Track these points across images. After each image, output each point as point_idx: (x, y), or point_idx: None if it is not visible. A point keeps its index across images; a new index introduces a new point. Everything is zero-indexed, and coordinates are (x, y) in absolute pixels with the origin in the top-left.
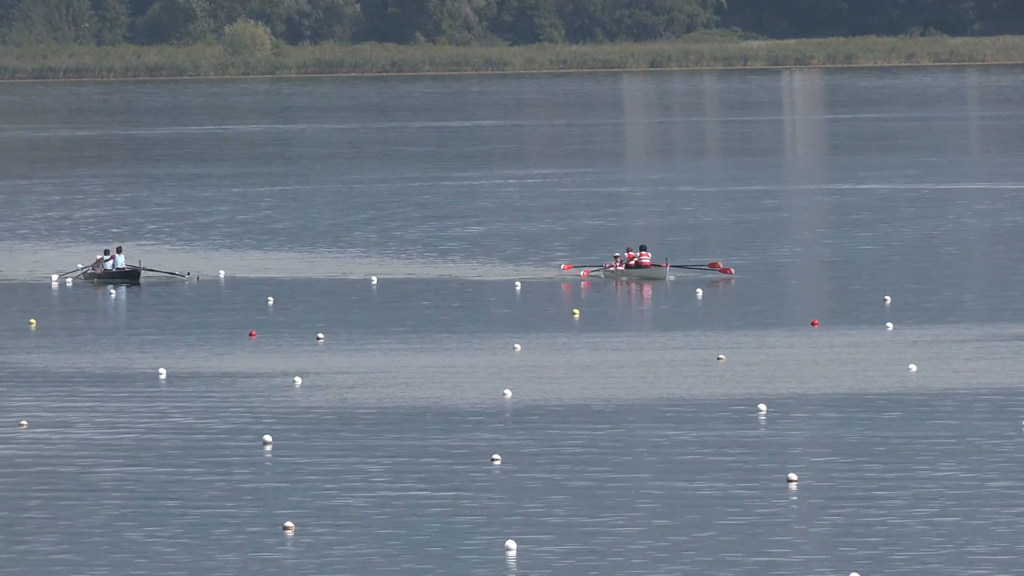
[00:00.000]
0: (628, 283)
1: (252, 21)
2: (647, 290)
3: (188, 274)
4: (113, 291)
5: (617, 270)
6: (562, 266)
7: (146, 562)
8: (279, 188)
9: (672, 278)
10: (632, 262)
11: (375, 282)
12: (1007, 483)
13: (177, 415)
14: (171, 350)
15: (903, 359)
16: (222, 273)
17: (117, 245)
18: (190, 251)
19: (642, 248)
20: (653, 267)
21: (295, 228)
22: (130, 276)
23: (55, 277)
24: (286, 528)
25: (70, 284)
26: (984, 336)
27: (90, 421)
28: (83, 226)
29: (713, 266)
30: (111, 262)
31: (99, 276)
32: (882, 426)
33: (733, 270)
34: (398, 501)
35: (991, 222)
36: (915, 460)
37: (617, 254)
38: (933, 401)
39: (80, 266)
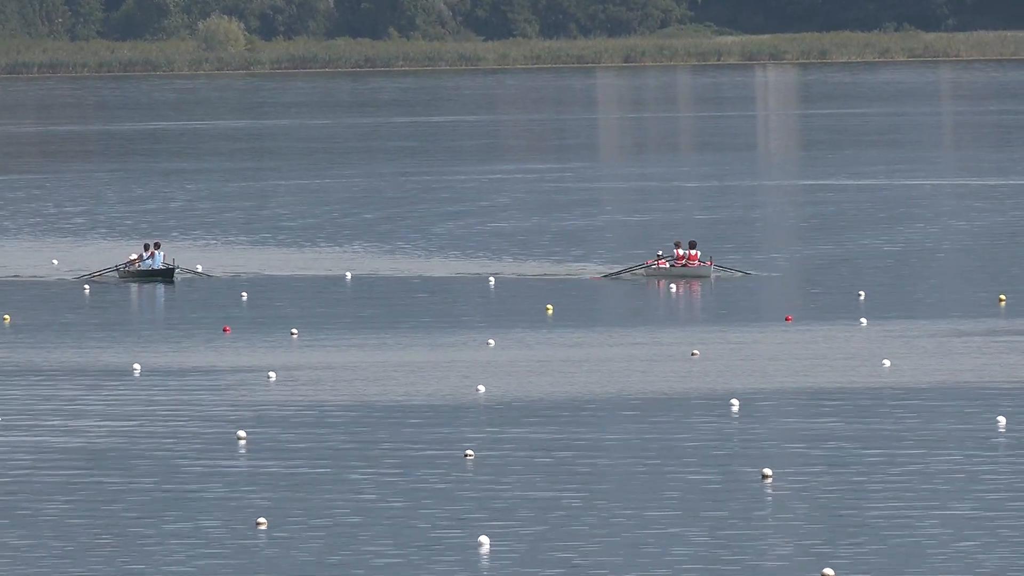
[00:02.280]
0: (671, 283)
1: (226, 17)
2: (687, 288)
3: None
4: (87, 287)
5: (660, 268)
6: (590, 276)
7: (118, 557)
8: (253, 184)
9: (717, 275)
10: (681, 263)
11: (349, 278)
12: (982, 478)
13: (150, 410)
14: (145, 345)
15: (877, 354)
16: (199, 268)
17: (155, 241)
18: (165, 247)
19: (691, 244)
20: (699, 266)
21: (270, 224)
22: (163, 275)
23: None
24: (259, 523)
25: (95, 282)
26: (958, 331)
27: (62, 417)
28: (57, 222)
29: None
30: (148, 260)
31: (132, 275)
32: (856, 422)
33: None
34: (371, 496)
35: (965, 217)
36: (889, 456)
37: (660, 251)
38: (907, 396)
39: (55, 262)
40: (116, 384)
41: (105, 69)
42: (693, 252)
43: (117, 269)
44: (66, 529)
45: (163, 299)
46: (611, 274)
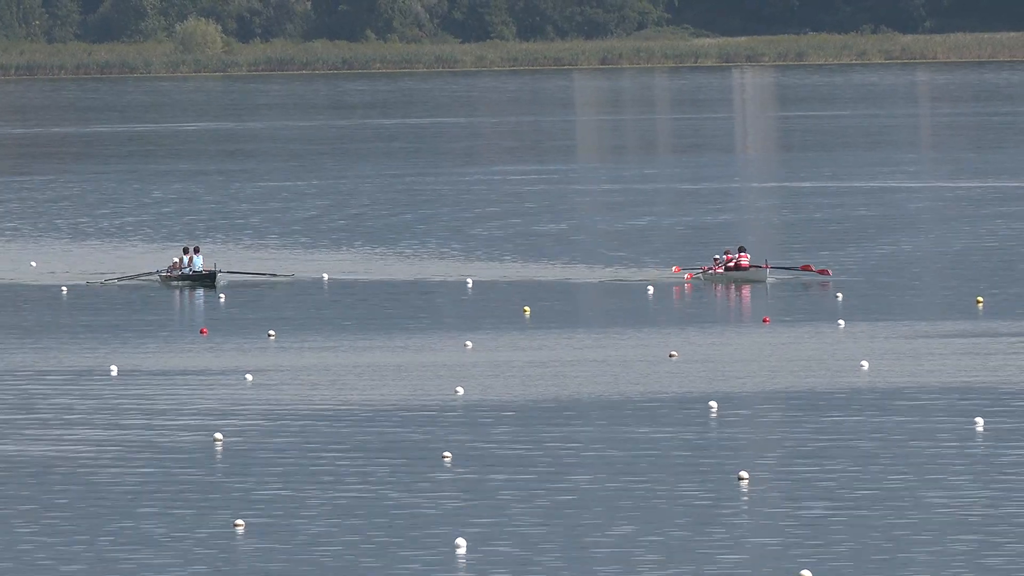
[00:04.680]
0: (728, 286)
1: (203, 19)
2: (744, 291)
3: (282, 274)
4: (64, 289)
5: (716, 272)
6: (673, 268)
7: (96, 559)
8: (230, 186)
9: (772, 280)
10: (731, 264)
11: (326, 279)
12: (959, 480)
13: (127, 412)
14: (122, 347)
15: (854, 356)
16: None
17: (195, 245)
18: (143, 248)
19: (740, 249)
20: (753, 269)
21: (247, 225)
22: (206, 280)
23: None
24: (236, 525)
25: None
26: (935, 333)
27: (39, 419)
28: (37, 223)
29: (806, 268)
30: (188, 264)
31: (174, 279)
32: (833, 423)
33: (830, 271)
34: (348, 498)
35: (943, 219)
36: (866, 457)
37: (717, 256)
38: (884, 398)
39: (33, 264)
40: (93, 386)
41: (82, 71)
42: (742, 254)
43: (158, 274)
44: (42, 531)
45: (140, 301)
46: (687, 272)
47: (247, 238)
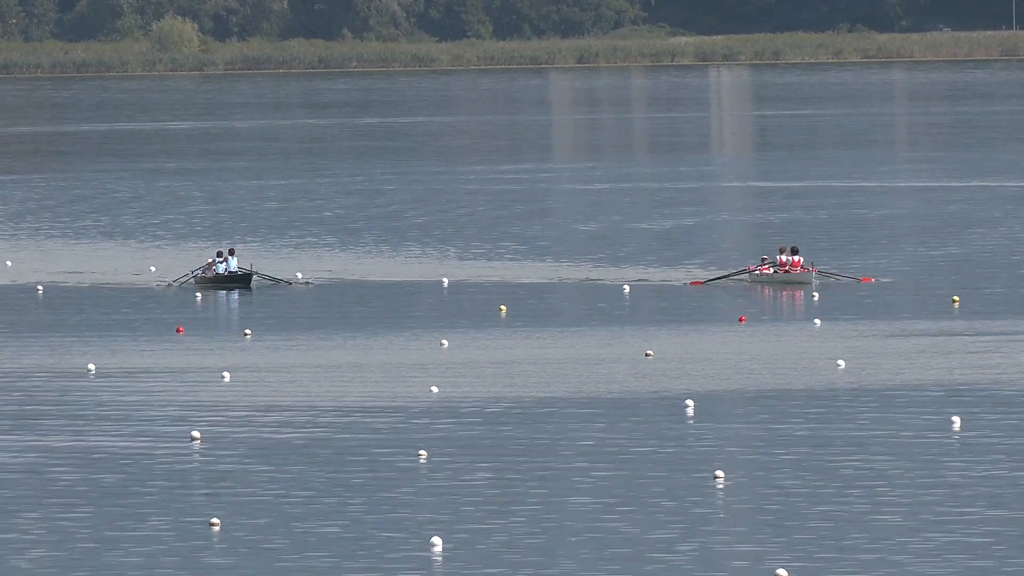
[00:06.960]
0: (773, 289)
1: (179, 17)
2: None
3: (301, 278)
4: (40, 288)
5: (762, 274)
6: (689, 283)
7: (72, 559)
8: (207, 184)
9: (819, 282)
10: (784, 269)
11: (300, 278)
12: (935, 479)
13: (105, 411)
14: (99, 346)
15: (831, 355)
16: (152, 268)
17: (229, 247)
18: (122, 248)
19: (794, 251)
20: (801, 272)
21: (223, 224)
22: (241, 281)
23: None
24: (212, 524)
25: (174, 287)
26: (911, 332)
27: (16, 417)
28: (4, 221)
29: (851, 278)
30: (223, 265)
31: (209, 281)
32: (809, 422)
33: (872, 279)
34: (324, 497)
35: (918, 218)
36: (843, 457)
37: (765, 256)
38: (861, 397)
39: (8, 263)
40: (70, 384)
41: (59, 70)
42: (796, 258)
43: (193, 275)
44: (16, 529)
45: (117, 300)
46: (713, 279)
47: (225, 236)
